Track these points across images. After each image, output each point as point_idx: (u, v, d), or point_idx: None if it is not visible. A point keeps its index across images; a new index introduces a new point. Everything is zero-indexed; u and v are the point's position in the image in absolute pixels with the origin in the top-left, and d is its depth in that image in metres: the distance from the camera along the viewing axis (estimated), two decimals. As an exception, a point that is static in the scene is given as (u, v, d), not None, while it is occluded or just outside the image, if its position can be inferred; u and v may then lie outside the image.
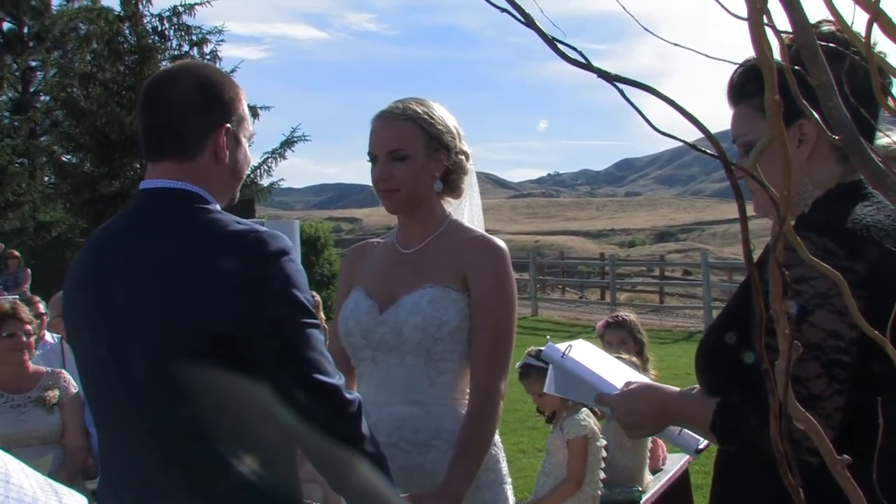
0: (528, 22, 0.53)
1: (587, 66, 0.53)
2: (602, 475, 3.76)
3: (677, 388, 1.82)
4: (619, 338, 4.38)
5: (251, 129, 1.86)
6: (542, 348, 2.13)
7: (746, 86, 1.67)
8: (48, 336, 5.57)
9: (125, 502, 1.71)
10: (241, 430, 1.63)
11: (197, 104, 1.73)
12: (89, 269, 1.77)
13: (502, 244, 2.29)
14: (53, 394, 4.20)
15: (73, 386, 4.25)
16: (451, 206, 2.41)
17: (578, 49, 0.52)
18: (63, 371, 4.41)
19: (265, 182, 19.71)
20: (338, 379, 1.68)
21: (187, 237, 1.66)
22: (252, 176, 19.30)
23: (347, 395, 1.69)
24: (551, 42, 0.53)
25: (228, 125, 1.76)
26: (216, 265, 1.61)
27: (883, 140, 1.86)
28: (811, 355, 1.45)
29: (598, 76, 0.54)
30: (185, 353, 1.60)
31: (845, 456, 0.59)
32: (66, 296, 1.83)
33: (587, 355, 2.08)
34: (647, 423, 1.80)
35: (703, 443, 1.89)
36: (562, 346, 2.09)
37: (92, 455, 4.26)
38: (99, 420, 1.80)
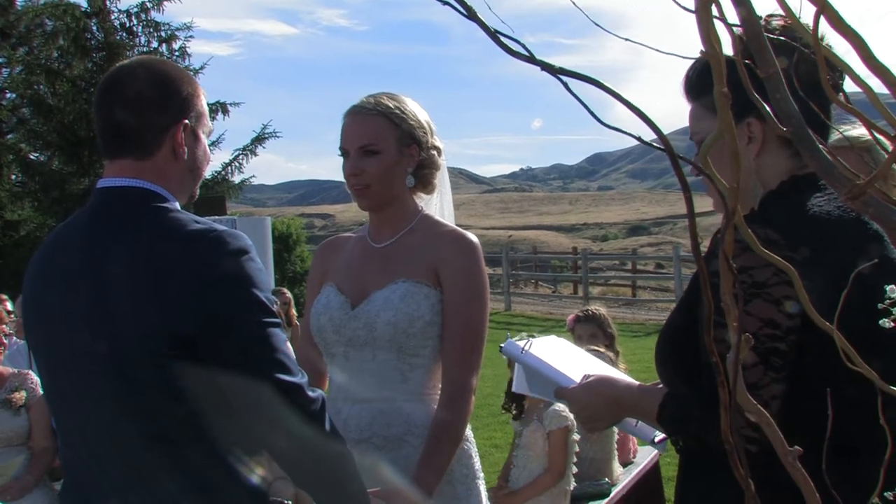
0: (471, 15, 0.52)
1: (530, 59, 0.53)
2: (574, 469, 3.78)
3: (635, 381, 1.84)
4: (589, 331, 4.41)
5: (210, 125, 1.83)
6: (502, 344, 2.14)
7: (700, 83, 1.68)
8: (14, 336, 5.49)
9: (89, 502, 1.69)
10: (205, 430, 1.62)
11: (154, 100, 1.70)
12: (49, 269, 1.75)
13: (474, 238, 2.28)
14: (20, 395, 4.15)
15: (41, 388, 4.20)
16: (422, 200, 2.41)
17: (522, 42, 0.52)
18: (30, 372, 4.35)
19: (236, 179, 19.58)
20: (300, 377, 1.67)
21: (146, 237, 1.64)
22: (223, 173, 19.17)
23: (310, 394, 1.68)
24: (494, 35, 0.52)
25: (187, 121, 1.73)
26: (175, 265, 1.58)
27: (834, 135, 1.88)
28: None
29: (542, 69, 0.54)
30: (147, 354, 1.58)
31: (796, 447, 0.59)
32: (26, 296, 1.80)
33: (548, 350, 2.09)
34: (602, 416, 1.81)
35: (660, 434, 1.91)
36: (521, 342, 2.10)
37: (59, 456, 4.21)
38: (61, 421, 1.77)
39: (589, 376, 1.88)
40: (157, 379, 1.58)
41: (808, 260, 1.45)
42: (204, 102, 1.79)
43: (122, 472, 1.64)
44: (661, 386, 1.76)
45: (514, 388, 2.25)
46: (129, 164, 1.71)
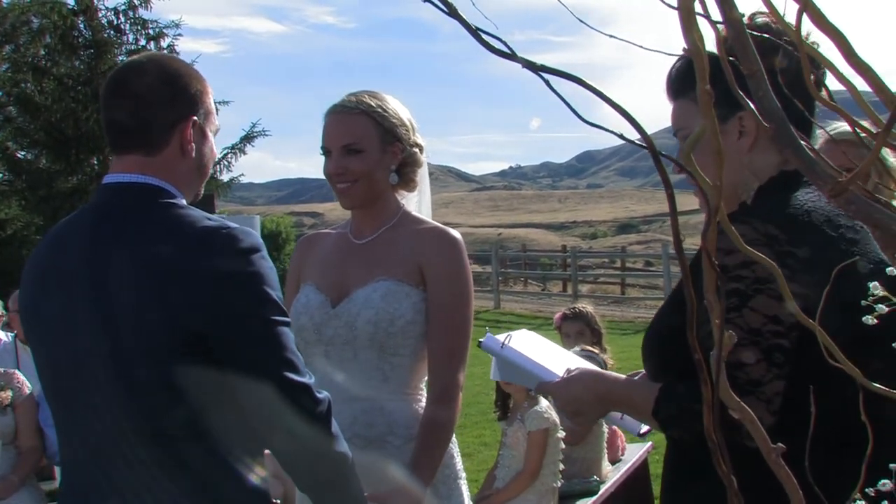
0: (451, 12, 0.52)
1: (511, 57, 0.52)
2: (561, 466, 3.78)
3: (621, 375, 1.83)
4: (577, 329, 4.42)
5: (217, 123, 1.82)
6: (482, 339, 2.14)
7: (686, 80, 1.69)
8: (1, 334, 5.46)
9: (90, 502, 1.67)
10: (209, 429, 1.60)
11: (163, 96, 1.69)
12: (51, 266, 1.71)
13: (457, 234, 2.28)
14: (6, 395, 4.12)
15: (27, 387, 4.17)
16: (403, 198, 2.40)
17: (503, 40, 0.52)
18: (17, 372, 4.31)
19: (225, 177, 19.52)
20: (308, 378, 1.66)
21: (155, 234, 1.62)
22: (212, 171, 19.06)
23: (318, 394, 1.67)
24: (475, 32, 0.52)
25: (195, 118, 1.72)
26: (187, 262, 1.57)
27: (836, 129, 1.89)
28: (751, 340, 1.46)
29: (523, 66, 0.53)
30: (157, 352, 1.56)
31: (779, 444, 0.59)
32: (25, 294, 1.77)
33: (527, 344, 2.09)
34: (590, 409, 1.80)
35: (645, 427, 1.91)
36: (501, 337, 2.10)
37: (46, 455, 4.19)
38: (63, 421, 1.74)
39: (572, 370, 1.87)
40: (163, 377, 1.56)
41: (810, 258, 1.45)
42: (212, 100, 1.79)
43: (124, 472, 1.62)
44: (640, 376, 1.76)
45: (491, 376, 2.26)
46: (136, 159, 1.69)
